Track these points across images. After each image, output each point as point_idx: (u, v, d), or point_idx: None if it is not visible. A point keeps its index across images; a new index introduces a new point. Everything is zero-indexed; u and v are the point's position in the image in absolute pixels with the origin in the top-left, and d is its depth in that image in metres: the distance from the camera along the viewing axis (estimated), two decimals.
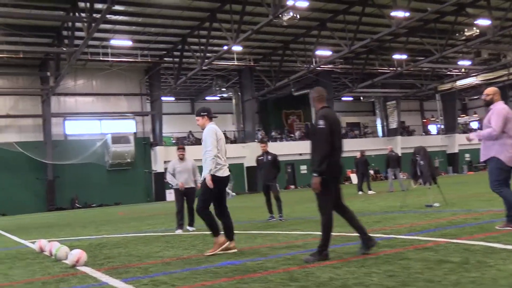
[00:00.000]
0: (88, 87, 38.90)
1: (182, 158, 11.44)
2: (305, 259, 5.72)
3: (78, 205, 36.93)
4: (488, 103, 7.22)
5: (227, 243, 7.09)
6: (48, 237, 11.99)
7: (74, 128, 38.67)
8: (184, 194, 11.39)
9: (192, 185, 11.41)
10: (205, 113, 7.33)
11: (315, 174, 5.84)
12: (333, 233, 5.95)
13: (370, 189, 22.30)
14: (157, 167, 39.81)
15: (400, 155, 23.62)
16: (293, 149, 43.59)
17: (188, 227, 11.30)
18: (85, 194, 37.39)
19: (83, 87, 38.68)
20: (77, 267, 6.67)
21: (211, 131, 7.12)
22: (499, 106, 7.04)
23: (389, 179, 22.35)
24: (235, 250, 7.06)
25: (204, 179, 7.02)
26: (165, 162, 39.09)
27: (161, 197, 39.14)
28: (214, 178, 6.95)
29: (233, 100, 45.51)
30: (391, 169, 22.03)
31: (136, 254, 7.62)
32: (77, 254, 6.88)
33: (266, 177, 12.25)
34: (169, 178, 11.49)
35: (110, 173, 38.53)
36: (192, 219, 11.42)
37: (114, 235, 11.56)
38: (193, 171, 11.48)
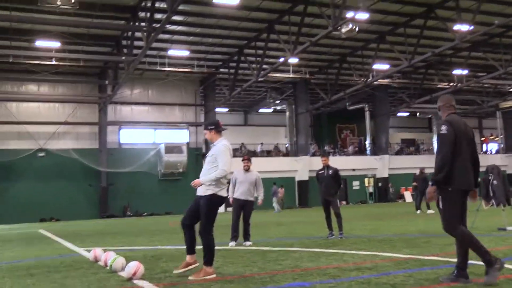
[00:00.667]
0: (144, 96, 39.36)
1: (247, 170, 11.19)
2: (442, 279, 5.24)
3: (129, 213, 37.20)
4: None
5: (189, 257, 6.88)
6: (102, 245, 11.85)
7: (129, 137, 39.08)
8: (241, 207, 11.08)
9: (251, 198, 11.15)
10: (213, 127, 6.94)
11: (430, 183, 5.29)
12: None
13: (429, 208, 21.33)
14: None
15: None
16: (346, 164, 42.70)
17: (245, 242, 10.95)
18: (136, 202, 37.64)
19: (139, 96, 39.16)
20: (134, 281, 6.42)
21: (226, 148, 6.77)
22: None
23: None
24: (197, 264, 6.83)
25: (209, 198, 6.61)
26: None
27: None
28: (216, 197, 6.63)
29: (287, 113, 45.10)
30: None
31: (193, 269, 7.25)
32: (134, 266, 6.61)
33: (327, 192, 11.77)
34: (230, 189, 11.17)
35: (162, 182, 38.71)
36: (247, 233, 11.10)
37: (168, 247, 11.33)
38: (256, 184, 11.22)
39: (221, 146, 6.75)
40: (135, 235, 15.99)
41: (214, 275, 6.52)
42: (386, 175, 45.60)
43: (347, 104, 44.28)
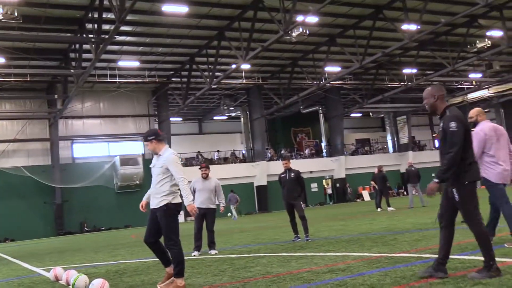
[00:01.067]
0: (95, 109, 38.55)
1: (206, 177, 10.98)
2: (470, 276, 5.00)
3: (87, 229, 36.29)
4: (474, 125, 7.28)
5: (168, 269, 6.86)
6: (62, 263, 11.41)
7: (82, 151, 38.24)
8: (203, 215, 10.87)
9: (212, 206, 10.94)
10: (153, 137, 6.69)
11: (436, 180, 5.15)
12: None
13: (389, 206, 21.57)
14: None
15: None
16: (303, 167, 42.70)
17: (210, 251, 10.73)
18: (94, 217, 36.82)
19: (90, 110, 38.33)
20: None
21: (175, 157, 6.59)
22: (478, 128, 7.20)
23: (409, 194, 21.62)
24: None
25: (165, 209, 6.39)
26: None
27: None
28: (172, 205, 6.43)
29: (242, 119, 45.03)
30: (411, 184, 21.34)
31: (159, 281, 6.98)
32: (99, 284, 6.30)
33: (290, 195, 11.64)
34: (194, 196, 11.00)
35: (119, 195, 37.94)
36: (212, 241, 10.89)
37: (131, 260, 10.98)
38: (216, 191, 11.04)
39: (171, 155, 6.55)
40: (95, 250, 15.53)
41: None
42: (343, 176, 46.07)
43: (301, 107, 44.54)
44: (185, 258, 9.04)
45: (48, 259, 13.75)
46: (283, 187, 11.78)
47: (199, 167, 11.25)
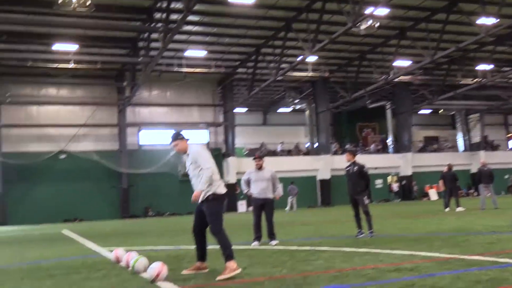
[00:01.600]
0: (162, 97, 39.28)
1: (259, 168, 10.91)
2: None
3: (151, 214, 37.11)
4: None
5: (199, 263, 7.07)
6: (124, 245, 11.58)
7: (148, 138, 39.06)
8: (261, 206, 10.82)
9: (270, 196, 10.84)
10: (182, 136, 7.09)
11: None
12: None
13: (458, 206, 20.64)
14: (229, 177, 39.43)
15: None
16: (368, 162, 41.58)
17: (270, 242, 10.58)
18: (158, 203, 37.60)
19: (157, 98, 39.09)
20: (157, 283, 6.10)
21: (200, 147, 7.03)
22: None
23: (481, 195, 20.58)
24: (207, 270, 7.00)
25: (209, 200, 6.75)
26: (237, 173, 38.70)
27: (232, 207, 38.65)
28: (216, 196, 6.75)
29: (306, 112, 44.72)
30: (484, 184, 20.30)
31: (220, 270, 6.87)
32: (158, 267, 6.27)
33: (353, 189, 11.36)
34: (243, 184, 11.15)
35: (182, 183, 38.37)
36: (272, 232, 10.75)
37: (191, 246, 10.79)
38: (272, 181, 10.92)
39: (194, 148, 6.94)
40: (158, 235, 15.78)
41: (240, 270, 6.50)
42: (409, 173, 44.84)
43: (368, 102, 43.65)
44: (245, 247, 8.95)
45: (112, 241, 14.06)
46: (348, 181, 11.49)
47: (253, 158, 11.25)
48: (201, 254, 7.08)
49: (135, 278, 6.63)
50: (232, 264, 6.53)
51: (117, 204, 37.07)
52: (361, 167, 11.34)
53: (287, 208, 32.73)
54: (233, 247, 9.45)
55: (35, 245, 13.86)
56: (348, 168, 11.49)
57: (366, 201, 11.40)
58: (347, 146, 45.02)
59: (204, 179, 6.68)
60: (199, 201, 6.81)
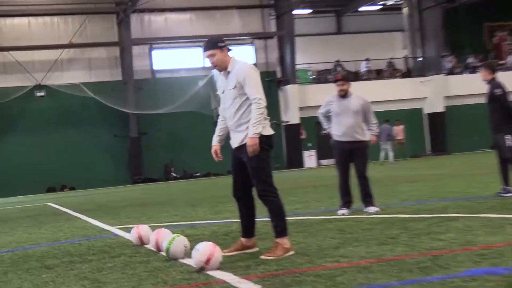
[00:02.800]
0: None
1: (344, 95, 10.80)
2: None
3: (175, 175, 37.77)
4: None
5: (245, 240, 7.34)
6: (145, 221, 11.80)
7: (165, 61, 39.39)
8: (347, 153, 10.79)
9: (361, 137, 10.77)
10: (223, 44, 7.06)
11: None
12: None
13: None
14: (289, 116, 39.47)
15: None
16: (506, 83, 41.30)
17: (366, 208, 10.58)
18: (184, 158, 38.12)
19: (175, 0, 38.94)
20: (208, 271, 6.13)
21: (253, 68, 7.09)
22: None
23: None
24: (256, 249, 7.26)
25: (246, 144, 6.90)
26: (301, 108, 38.60)
27: (296, 162, 38.74)
28: (263, 139, 6.91)
29: (405, 10, 43.93)
30: None
31: (298, 251, 6.93)
32: (207, 250, 6.29)
33: (490, 123, 11.19)
34: (321, 118, 11.23)
35: None
36: (368, 194, 10.74)
37: None
38: (364, 114, 10.86)
39: (244, 67, 7.01)
40: (191, 204, 15.98)
41: (293, 252, 6.80)
42: None
43: None
44: (331, 217, 8.96)
45: (125, 215, 14.30)
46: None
47: (333, 80, 11.19)
48: (248, 226, 7.29)
49: (173, 266, 6.68)
50: (285, 241, 6.82)
51: (124, 162, 37.83)
52: (492, 88, 11.11)
53: (381, 156, 32.60)
54: (308, 217, 9.47)
55: (14, 225, 14.14)
56: (486, 92, 11.28)
57: (510, 141, 11.14)
58: (470, 60, 44.16)
59: (256, 116, 6.79)
60: (234, 145, 7.12)
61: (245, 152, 6.91)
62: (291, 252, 6.75)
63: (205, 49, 7.11)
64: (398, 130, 35.70)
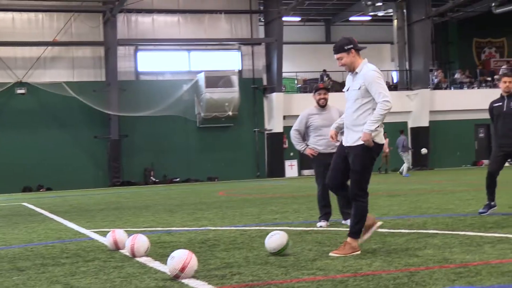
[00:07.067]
0: (171, 0, 39.19)
1: (323, 105, 10.86)
2: None
3: (154, 179, 37.67)
4: None
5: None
6: (122, 225, 11.85)
7: (151, 63, 39.34)
8: (329, 165, 10.64)
9: None
10: (351, 46, 7.44)
11: None
12: None
13: None
14: (273, 124, 39.53)
15: None
16: (489, 101, 41.43)
17: (346, 221, 10.59)
18: (165, 163, 38.06)
19: (164, 1, 39.02)
20: (183, 280, 6.19)
21: (377, 73, 7.43)
22: None
23: None
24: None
25: (363, 148, 7.35)
26: (285, 117, 38.65)
27: (277, 171, 38.82)
28: (374, 145, 7.38)
29: (394, 22, 44.21)
30: None
31: (275, 262, 6.98)
32: (183, 257, 6.31)
33: (506, 136, 10.94)
34: (294, 136, 11.12)
35: (202, 132, 38.75)
36: (346, 207, 10.65)
37: (224, 227, 11.22)
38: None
39: (370, 72, 7.37)
40: (169, 210, 16.03)
41: (359, 251, 7.31)
42: None
43: (493, 5, 42.57)
44: (307, 229, 9.01)
45: (101, 218, 14.31)
46: (501, 124, 11.09)
47: (313, 90, 11.18)
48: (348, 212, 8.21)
49: (148, 273, 6.74)
50: (355, 243, 7.34)
51: (103, 164, 37.72)
52: None
53: (403, 169, 33.11)
54: (286, 228, 9.57)
55: None
56: (498, 103, 11.08)
57: None
58: (456, 75, 44.28)
59: (377, 115, 7.23)
60: (347, 143, 7.51)
61: (353, 154, 7.39)
62: (358, 252, 7.23)
63: (334, 52, 7.55)
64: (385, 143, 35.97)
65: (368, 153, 7.34)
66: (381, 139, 7.46)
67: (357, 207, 7.40)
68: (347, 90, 7.54)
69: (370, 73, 7.35)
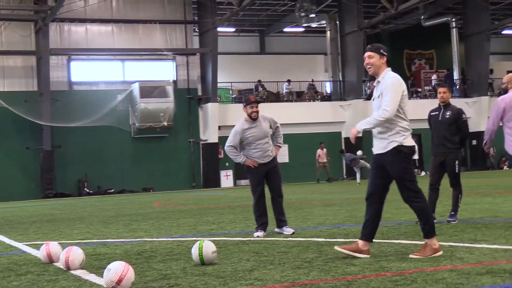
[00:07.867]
0: (105, 10, 38.88)
1: (255, 118, 10.84)
2: None
3: (88, 190, 37.27)
4: (505, 91, 10.34)
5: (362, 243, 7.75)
6: (55, 238, 11.65)
7: (84, 73, 38.94)
8: (265, 174, 10.89)
9: (273, 155, 10.98)
10: (386, 54, 7.68)
11: None
12: None
13: None
14: (209, 134, 39.52)
15: None
16: (420, 111, 41.97)
17: (281, 229, 10.77)
18: (99, 173, 37.69)
19: (97, 10, 38.63)
20: None
21: (396, 81, 7.60)
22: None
23: None
24: (367, 256, 7.59)
25: (395, 153, 7.55)
26: (220, 127, 38.68)
27: (212, 181, 38.83)
28: (404, 148, 7.53)
29: (328, 33, 44.51)
30: None
31: (213, 273, 6.98)
32: (119, 269, 6.29)
33: (440, 145, 11.23)
34: (231, 152, 11.03)
35: (137, 143, 38.52)
36: (282, 214, 10.89)
37: (160, 239, 11.16)
38: (275, 132, 11.20)
39: (389, 79, 7.57)
40: (104, 222, 15.89)
41: (441, 252, 7.40)
42: (483, 128, 44.95)
43: (422, 18, 43.43)
44: (244, 239, 9.05)
45: (34, 231, 14.07)
46: (432, 131, 11.48)
47: (244, 103, 11.13)
48: (371, 231, 7.79)
49: (82, 285, 6.70)
50: (434, 242, 7.45)
51: (35, 176, 37.08)
52: (459, 113, 11.27)
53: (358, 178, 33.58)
54: (223, 238, 9.57)
55: None
56: (435, 113, 11.40)
57: (457, 165, 11.33)
58: (433, 77, 44.57)
59: (371, 119, 7.54)
60: (377, 152, 7.71)
61: (388, 161, 7.58)
62: (440, 253, 7.33)
63: (369, 49, 7.75)
64: (322, 153, 36.71)
65: (399, 155, 7.50)
66: (409, 141, 7.56)
67: (415, 208, 7.61)
68: (373, 98, 7.73)
69: (388, 80, 7.56)
